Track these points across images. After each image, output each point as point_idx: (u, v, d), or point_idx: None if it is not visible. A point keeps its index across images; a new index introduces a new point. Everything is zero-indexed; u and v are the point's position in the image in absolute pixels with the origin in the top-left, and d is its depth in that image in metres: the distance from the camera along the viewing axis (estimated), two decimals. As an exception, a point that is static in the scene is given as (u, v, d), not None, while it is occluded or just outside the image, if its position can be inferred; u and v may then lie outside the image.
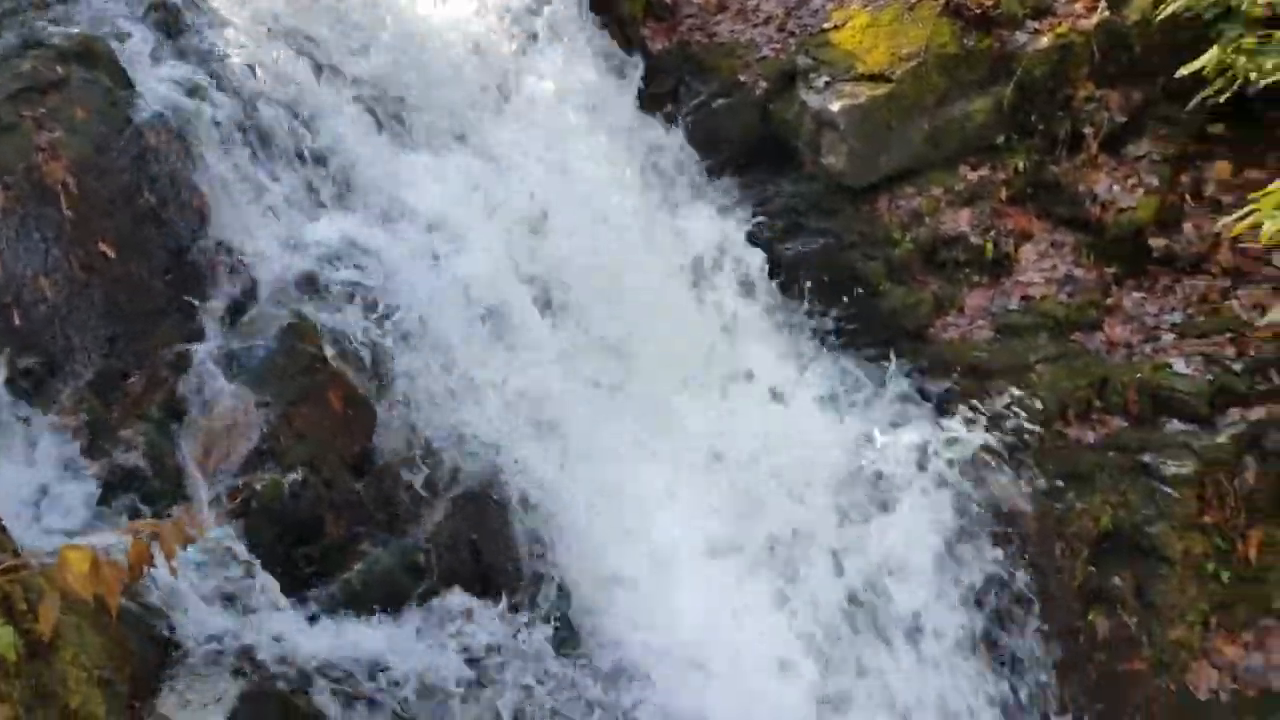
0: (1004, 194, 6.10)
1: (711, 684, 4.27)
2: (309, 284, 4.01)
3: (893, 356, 5.72)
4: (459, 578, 4.04)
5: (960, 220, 6.08)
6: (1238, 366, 5.32)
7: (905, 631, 4.91)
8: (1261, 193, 4.63)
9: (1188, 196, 5.81)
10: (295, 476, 3.62)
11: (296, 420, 3.65)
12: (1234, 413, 5.25)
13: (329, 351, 3.82)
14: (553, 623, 4.05)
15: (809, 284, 5.94)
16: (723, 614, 4.64)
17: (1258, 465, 5.15)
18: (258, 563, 3.40)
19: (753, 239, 6.00)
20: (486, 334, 4.48)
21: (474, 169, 5.12)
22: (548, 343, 4.90)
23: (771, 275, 5.96)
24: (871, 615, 4.92)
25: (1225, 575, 5.13)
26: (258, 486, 3.58)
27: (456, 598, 3.89)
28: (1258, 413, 5.21)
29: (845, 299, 5.94)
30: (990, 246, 6.00)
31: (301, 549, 3.75)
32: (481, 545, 4.22)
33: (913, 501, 5.18)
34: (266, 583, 3.40)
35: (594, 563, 4.49)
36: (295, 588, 3.61)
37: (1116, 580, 5.20)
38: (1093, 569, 5.21)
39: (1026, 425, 5.42)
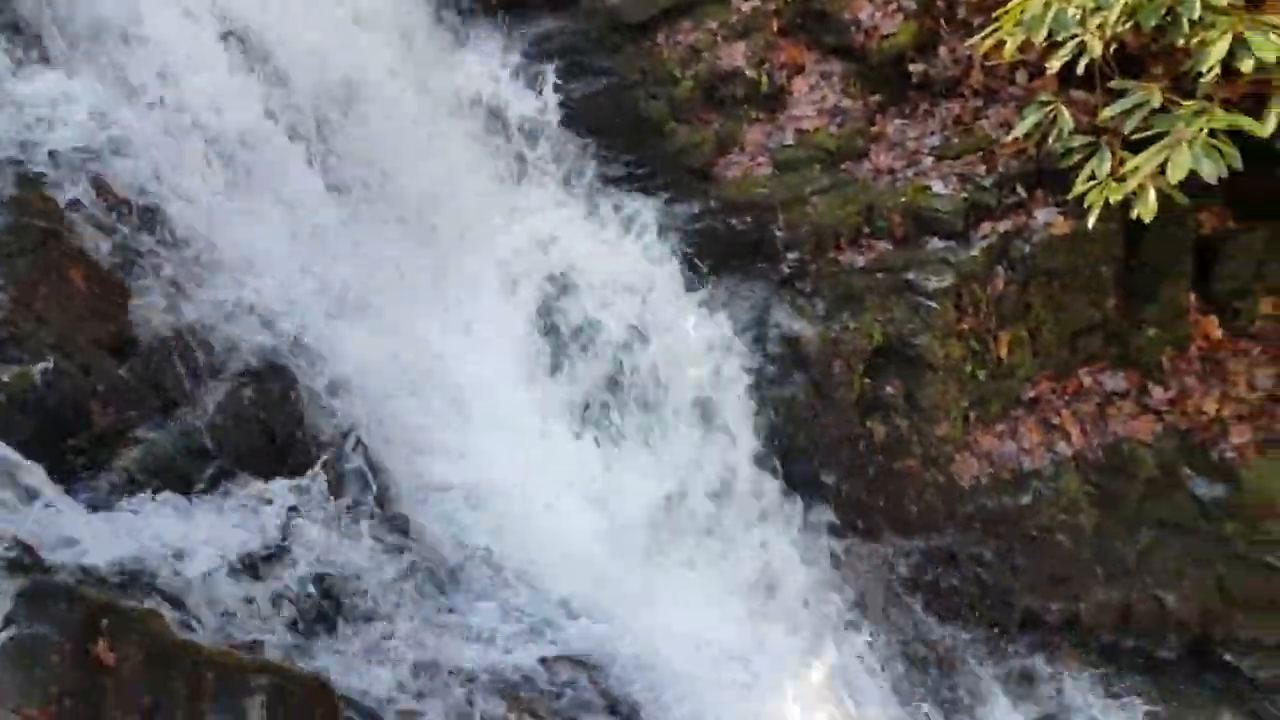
0: (775, 25, 6.16)
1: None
2: (31, 151, 3.56)
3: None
4: (252, 459, 3.89)
5: (736, 54, 6.11)
6: (988, 183, 5.73)
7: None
8: (1002, 10, 4.89)
9: (942, 21, 6.06)
10: (45, 364, 3.30)
11: (35, 302, 3.31)
12: (985, 227, 5.68)
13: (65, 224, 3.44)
14: (355, 494, 3.99)
15: (595, 126, 5.88)
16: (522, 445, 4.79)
17: (1006, 273, 5.64)
18: (19, 455, 3.12)
19: (533, 80, 5.82)
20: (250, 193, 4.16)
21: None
22: (325, 203, 4.64)
23: (558, 120, 5.84)
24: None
25: (981, 374, 5.68)
26: (4, 378, 3.26)
27: (248, 479, 3.75)
28: (1005, 225, 5.67)
29: (632, 141, 5.93)
30: (765, 80, 6.09)
31: (69, 441, 3.48)
32: (273, 423, 4.06)
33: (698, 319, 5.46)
34: (33, 475, 3.14)
35: (395, 428, 4.44)
36: (69, 479, 3.37)
37: (889, 389, 5.66)
38: (868, 381, 5.65)
39: (805, 256, 5.71)
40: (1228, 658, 5.72)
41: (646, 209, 5.84)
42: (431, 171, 5.25)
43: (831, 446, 5.68)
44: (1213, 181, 4.40)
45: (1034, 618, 5.73)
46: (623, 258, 5.67)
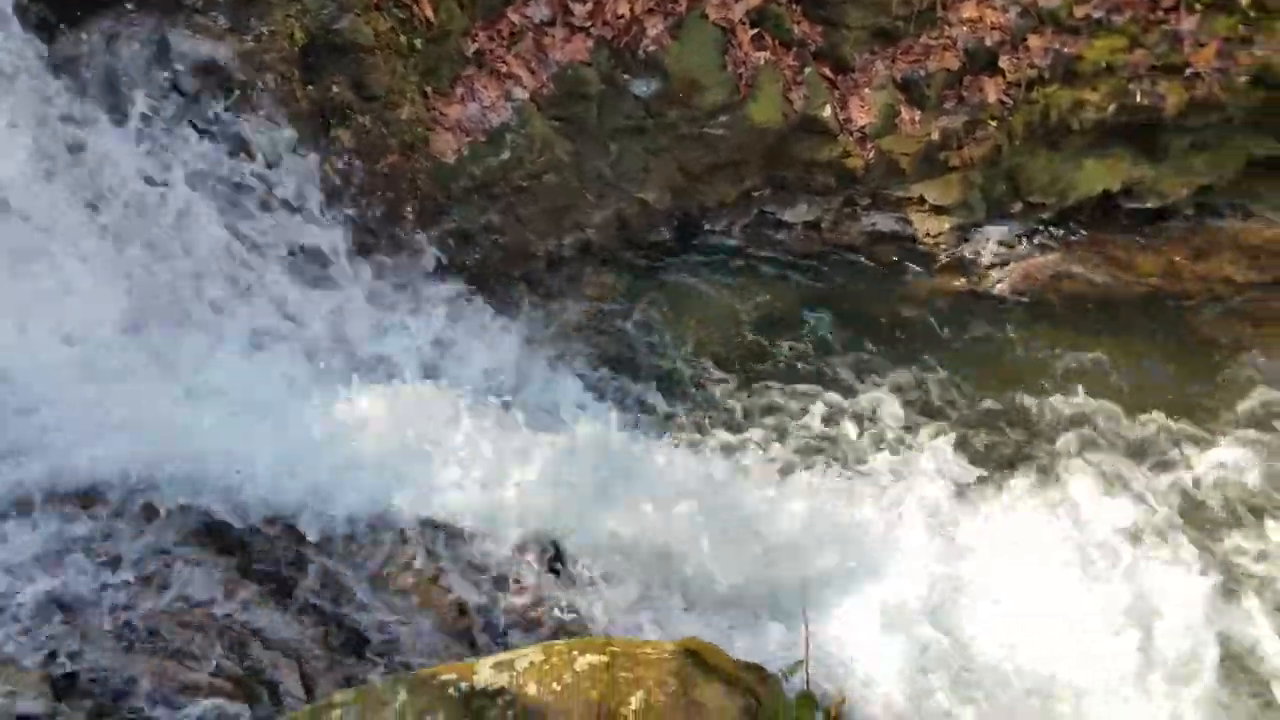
0: None
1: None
2: None
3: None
4: None
5: None
6: None
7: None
8: None
9: None
10: None
11: None
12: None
13: None
14: None
15: None
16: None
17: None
18: None
19: None
20: None
21: None
22: None
23: None
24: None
25: (419, 43, 5.39)
26: None
27: None
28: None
29: None
30: None
31: None
32: None
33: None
34: None
35: None
36: None
37: (335, 89, 5.17)
38: (310, 86, 5.09)
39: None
40: (706, 225, 6.59)
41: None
42: None
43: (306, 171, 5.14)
44: None
45: (556, 258, 6.03)
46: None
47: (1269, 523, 5.22)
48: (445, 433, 4.49)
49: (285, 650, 3.70)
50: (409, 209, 5.43)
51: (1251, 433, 5.55)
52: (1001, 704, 4.26)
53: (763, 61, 6.03)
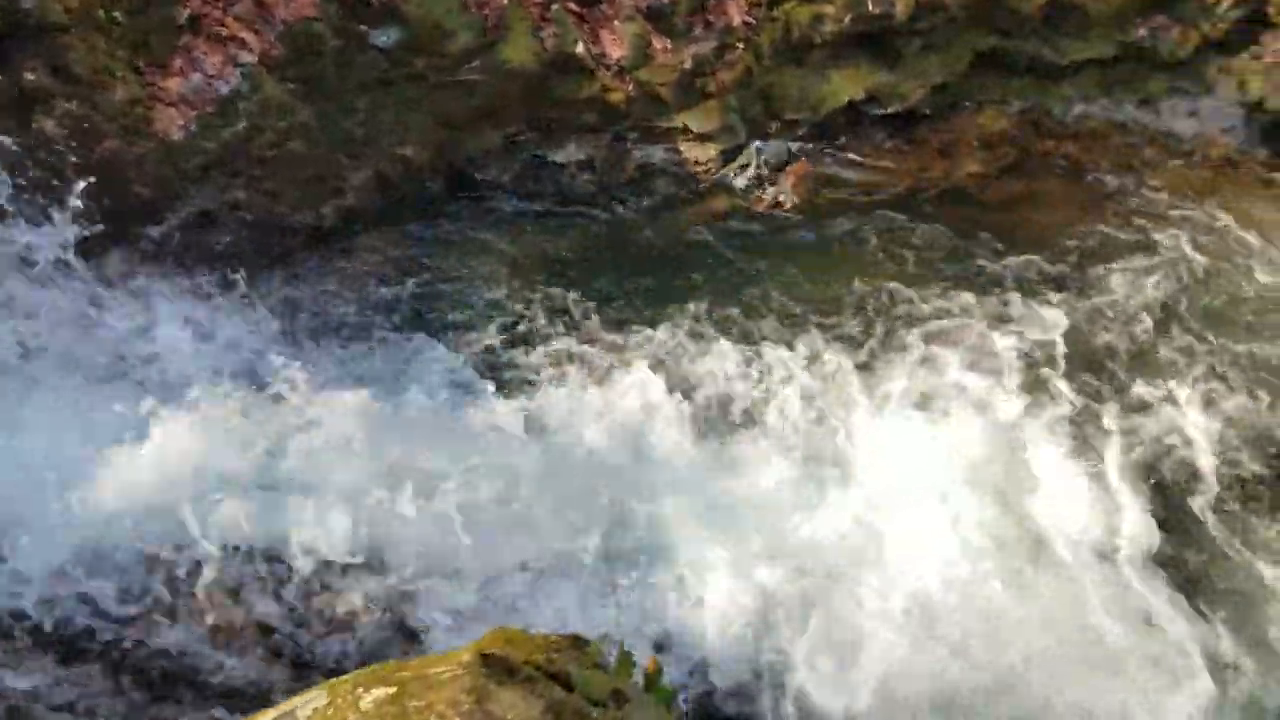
0: None
1: None
2: None
3: None
4: None
5: None
6: None
7: None
8: None
9: None
10: None
11: None
12: None
13: None
14: None
15: None
16: None
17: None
18: None
19: None
20: None
21: None
22: None
23: None
24: None
25: (118, 14, 4.84)
26: None
27: None
28: None
29: None
30: None
31: None
32: None
33: None
34: None
35: None
36: None
37: (30, 75, 4.60)
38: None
39: None
40: (476, 175, 6.37)
41: None
42: None
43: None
44: None
45: (314, 228, 5.67)
46: None
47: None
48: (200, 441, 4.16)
49: (73, 711, 3.39)
50: (138, 197, 4.94)
51: (1009, 300, 5.93)
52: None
53: (506, 0, 5.81)
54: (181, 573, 3.82)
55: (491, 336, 5.61)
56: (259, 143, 5.35)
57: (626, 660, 2.73)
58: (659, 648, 4.12)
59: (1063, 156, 6.58)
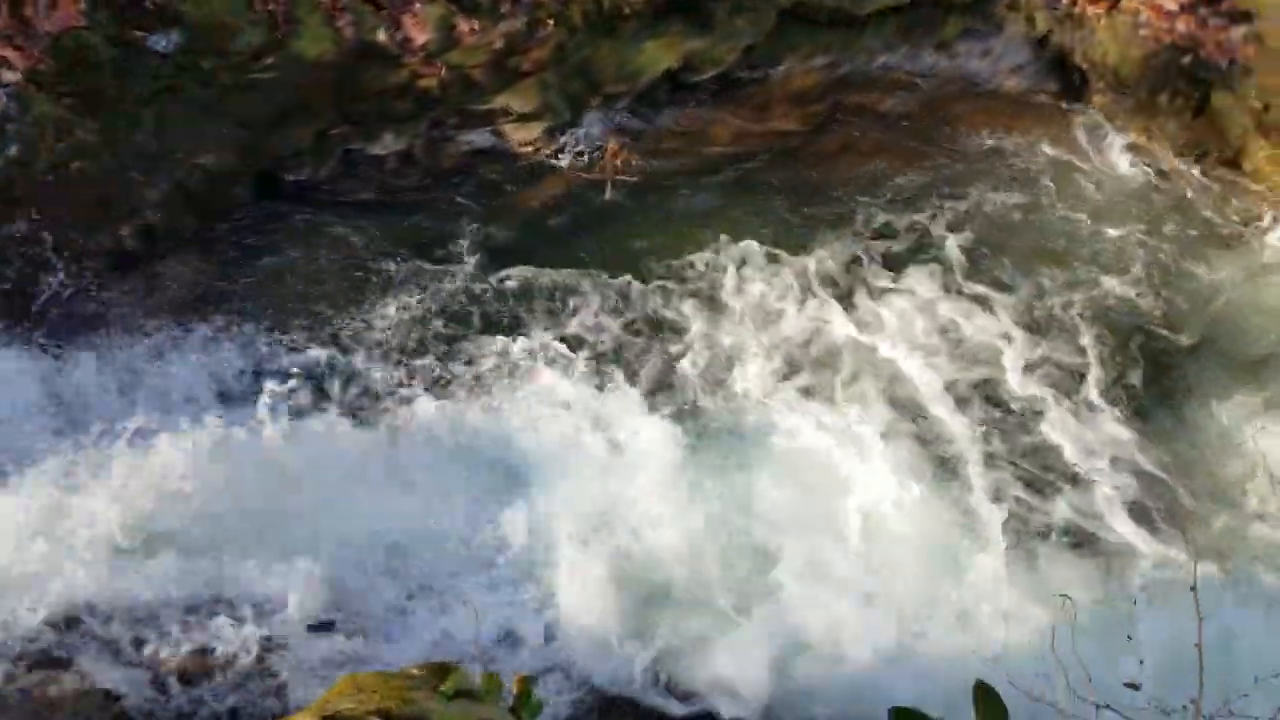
0: None
1: None
2: None
3: None
4: None
5: None
6: None
7: None
8: None
9: None
10: None
11: None
12: None
13: None
14: None
15: None
16: None
17: None
18: None
19: None
20: None
21: None
22: None
23: None
24: None
25: None
26: None
27: None
28: None
29: None
30: None
31: None
32: None
33: None
34: None
35: None
36: None
37: None
38: None
39: None
40: (289, 177, 6.04)
41: None
42: None
43: None
44: None
45: (113, 252, 5.26)
46: None
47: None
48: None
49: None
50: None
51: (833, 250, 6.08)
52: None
53: (296, -8, 5.50)
54: None
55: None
56: (37, 166, 4.92)
57: (492, 682, 2.67)
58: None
59: (872, 107, 6.77)
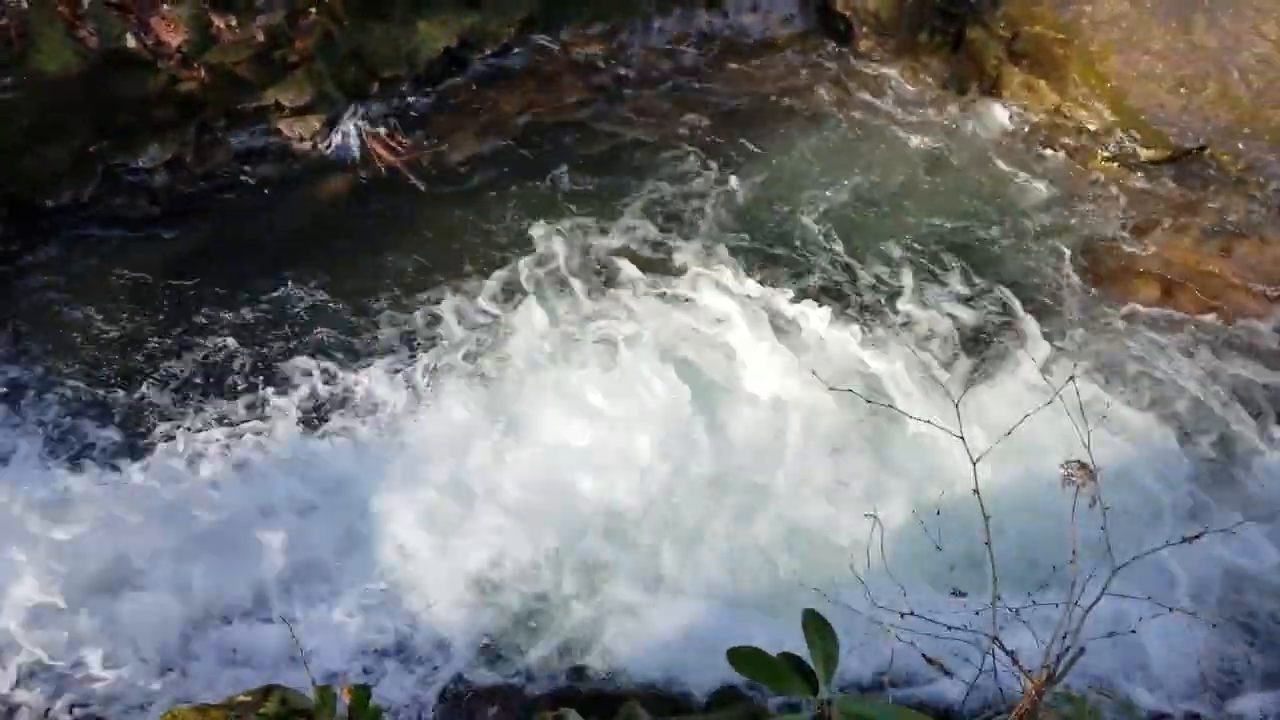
0: None
1: None
2: None
3: None
4: None
5: None
6: None
7: None
8: None
9: None
10: None
11: None
12: None
13: None
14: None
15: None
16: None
17: None
18: None
19: None
20: None
21: None
22: None
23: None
24: None
25: None
26: None
27: None
28: None
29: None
30: None
31: None
32: None
33: None
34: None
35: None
36: None
37: None
38: None
39: None
40: (48, 203, 5.60)
41: None
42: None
43: None
44: None
45: None
46: None
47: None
48: None
49: None
50: None
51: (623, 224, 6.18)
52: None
53: (26, 5, 5.06)
54: None
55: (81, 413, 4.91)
56: None
57: (325, 696, 2.61)
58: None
59: (656, 71, 6.86)
